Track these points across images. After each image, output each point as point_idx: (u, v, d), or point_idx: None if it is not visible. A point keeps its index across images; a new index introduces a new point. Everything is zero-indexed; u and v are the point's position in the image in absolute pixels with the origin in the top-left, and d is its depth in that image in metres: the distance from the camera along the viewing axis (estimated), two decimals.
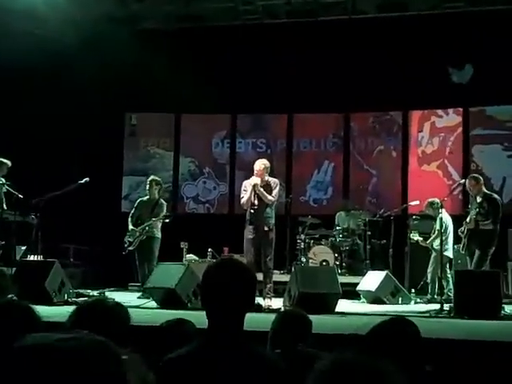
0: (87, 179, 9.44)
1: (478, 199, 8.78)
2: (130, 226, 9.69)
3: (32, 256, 9.48)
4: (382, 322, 2.76)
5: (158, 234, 9.68)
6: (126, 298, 8.97)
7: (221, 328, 2.29)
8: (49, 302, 7.54)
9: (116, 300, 2.80)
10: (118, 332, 2.35)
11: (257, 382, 2.15)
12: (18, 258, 9.87)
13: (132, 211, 9.93)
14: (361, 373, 1.14)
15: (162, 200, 9.99)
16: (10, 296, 6.06)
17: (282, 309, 7.97)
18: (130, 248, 9.56)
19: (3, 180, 9.85)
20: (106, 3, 11.91)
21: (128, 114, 13.76)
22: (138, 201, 10.06)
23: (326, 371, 1.15)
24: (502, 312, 7.58)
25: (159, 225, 9.70)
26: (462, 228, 8.91)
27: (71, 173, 10.28)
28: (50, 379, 1.05)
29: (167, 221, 9.64)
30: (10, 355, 1.09)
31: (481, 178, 9.08)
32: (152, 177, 10.17)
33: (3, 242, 9.74)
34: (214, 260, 10.26)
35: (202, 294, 2.38)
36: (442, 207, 9.17)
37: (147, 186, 9.93)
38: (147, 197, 9.91)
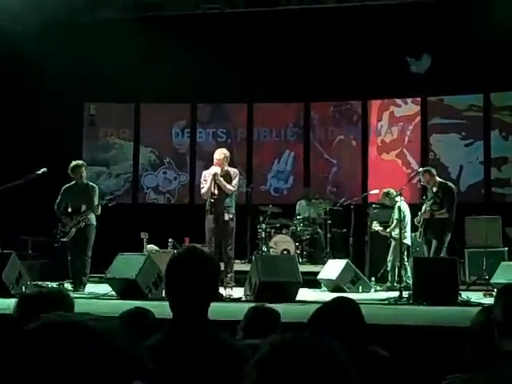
0: (45, 169, 9.27)
1: (434, 189, 8.92)
2: (62, 215, 8.93)
3: None
4: (325, 302, 2.81)
5: (94, 221, 9.03)
6: (87, 289, 8.92)
7: (186, 318, 2.28)
8: (6, 294, 7.43)
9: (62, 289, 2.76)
10: None
11: (225, 371, 2.15)
12: None
13: (58, 199, 9.05)
14: (301, 352, 1.15)
15: (92, 183, 9.38)
16: None
17: (243, 298, 8.01)
18: (65, 239, 8.89)
19: None
20: None
21: (87, 103, 13.58)
22: (64, 188, 9.12)
23: (266, 355, 1.15)
24: (459, 298, 7.72)
25: (98, 211, 9.09)
26: (418, 218, 9.04)
27: (29, 163, 10.11)
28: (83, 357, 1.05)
29: (110, 205, 9.10)
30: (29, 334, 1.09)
31: (433, 169, 9.21)
32: (74, 162, 9.18)
33: None
34: (175, 250, 10.24)
35: (167, 283, 2.37)
36: (400, 196, 9.29)
37: (72, 172, 9.06)
38: (73, 182, 9.11)
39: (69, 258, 8.96)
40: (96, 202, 9.01)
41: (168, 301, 2.33)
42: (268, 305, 3.80)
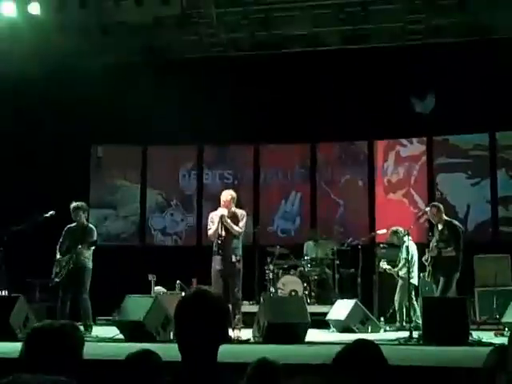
0: (53, 212, 9.31)
1: (440, 227, 8.89)
2: (57, 256, 8.96)
3: None
4: (345, 346, 2.78)
5: (89, 264, 8.97)
6: (94, 331, 8.87)
7: (195, 361, 2.27)
8: (13, 338, 7.39)
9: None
10: (71, 355, 2.33)
11: None
12: None
13: (60, 239, 9.13)
14: None
15: (91, 225, 9.31)
16: None
17: (252, 339, 7.95)
18: (57, 279, 8.81)
19: None
20: (71, 36, 11.90)
21: (94, 146, 13.69)
22: (66, 228, 9.20)
23: None
24: (470, 338, 7.64)
25: (90, 253, 9.00)
26: (426, 256, 8.99)
27: (37, 205, 10.14)
28: None
29: (92, 248, 8.93)
30: None
31: (441, 205, 9.19)
32: (75, 203, 9.22)
33: None
34: (183, 292, 10.21)
35: (176, 326, 2.36)
36: (408, 235, 9.26)
37: (72, 213, 9.12)
38: (75, 223, 9.17)
39: (59, 298, 8.85)
40: (81, 245, 8.87)
41: (177, 343, 2.32)
42: (270, 359, 3.73)
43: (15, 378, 1.16)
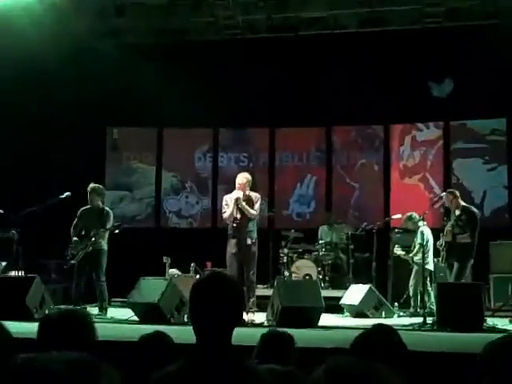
0: (68, 193, 9.34)
1: (457, 212, 8.84)
2: (74, 238, 8.96)
3: (13, 272, 9.39)
4: (365, 330, 2.76)
5: (105, 246, 8.99)
6: (109, 313, 8.93)
7: (210, 344, 2.26)
8: (30, 318, 7.45)
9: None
10: (86, 341, 2.34)
11: None
12: None
13: (74, 221, 9.11)
14: (354, 375, 1.15)
15: (108, 208, 9.33)
16: None
17: (266, 323, 7.97)
18: (73, 261, 8.80)
19: None
20: (87, 18, 11.89)
21: (109, 128, 13.71)
22: (81, 210, 9.17)
23: (319, 380, 1.16)
24: (485, 324, 7.61)
25: (106, 236, 9.03)
26: (440, 241, 8.95)
27: (53, 187, 10.20)
28: None
29: (117, 231, 8.92)
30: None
31: (457, 192, 9.12)
32: (92, 185, 9.21)
33: None
34: (197, 274, 10.24)
35: (190, 309, 2.35)
36: (423, 220, 9.22)
37: (89, 195, 9.12)
38: (89, 206, 9.15)
39: (74, 280, 8.88)
40: (106, 227, 8.97)
41: (192, 326, 2.33)
42: (281, 329, 3.75)
43: (40, 354, 1.32)
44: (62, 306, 8.95)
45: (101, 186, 9.42)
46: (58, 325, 2.45)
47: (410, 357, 2.78)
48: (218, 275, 2.44)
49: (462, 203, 8.93)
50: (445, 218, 9.11)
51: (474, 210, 9.04)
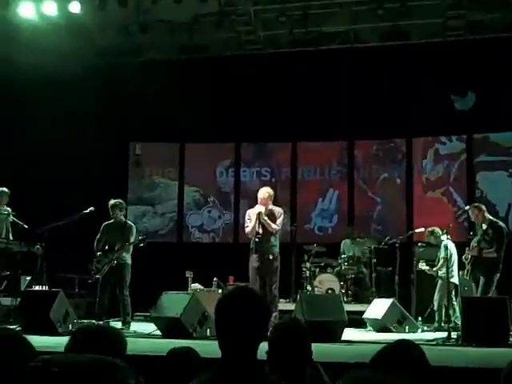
0: (92, 208, 9.43)
1: (484, 226, 8.75)
2: (98, 252, 9.02)
3: (37, 286, 9.46)
4: (387, 345, 2.73)
5: (129, 261, 9.04)
6: (132, 327, 8.96)
7: (236, 358, 2.25)
8: (53, 333, 7.50)
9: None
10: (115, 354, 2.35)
11: None
12: (22, 288, 9.85)
13: (98, 236, 9.17)
14: None
15: (130, 222, 9.39)
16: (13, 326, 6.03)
17: None
18: (98, 275, 8.85)
19: (9, 210, 9.88)
20: (110, 35, 12.04)
21: (132, 143, 13.82)
22: (104, 225, 9.24)
23: None
24: (511, 339, 7.51)
25: (130, 250, 9.06)
26: (466, 255, 8.86)
27: (76, 202, 10.28)
28: None
29: (142, 245, 8.94)
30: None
31: (482, 205, 9.03)
32: (112, 201, 9.21)
33: (8, 273, 9.74)
34: (220, 289, 10.24)
35: (216, 322, 2.32)
36: (446, 234, 9.14)
37: (110, 211, 9.14)
38: (112, 220, 9.20)
39: (98, 294, 8.92)
40: (130, 241, 9.02)
41: (217, 340, 2.31)
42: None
43: (68, 355, 1.39)
44: (85, 321, 8.99)
45: (121, 201, 9.48)
46: (89, 338, 2.47)
47: (433, 372, 2.74)
48: (245, 289, 2.42)
49: (489, 217, 8.84)
50: (471, 233, 9.03)
51: (502, 224, 8.94)
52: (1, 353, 2.18)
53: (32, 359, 2.07)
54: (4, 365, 1.75)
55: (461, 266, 9.36)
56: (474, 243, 8.72)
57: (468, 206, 9.27)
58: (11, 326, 6.75)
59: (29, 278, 10.17)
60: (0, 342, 2.26)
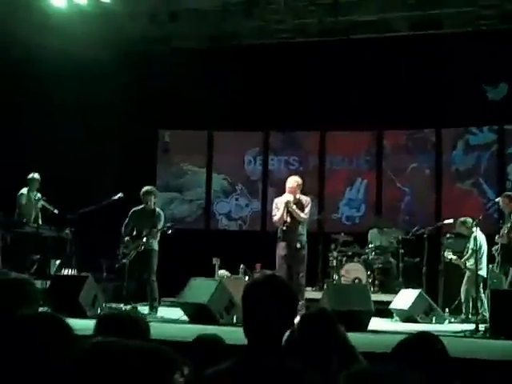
0: (121, 195, 9.51)
1: None
2: (126, 237, 9.13)
3: (66, 270, 9.60)
4: (407, 337, 2.72)
5: (156, 247, 9.11)
6: (159, 313, 9.04)
7: (262, 345, 2.25)
8: (82, 316, 7.61)
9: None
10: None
11: None
12: (52, 272, 10.00)
13: (126, 221, 9.27)
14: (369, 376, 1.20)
15: (159, 209, 9.44)
16: (44, 309, 6.12)
17: None
18: (125, 260, 8.96)
19: (39, 195, 10.02)
20: (141, 23, 12.08)
21: (161, 130, 13.89)
22: (132, 210, 9.32)
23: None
24: None
25: (158, 236, 9.14)
26: (496, 246, 8.78)
27: (105, 188, 10.39)
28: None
29: (169, 232, 9.04)
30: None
31: None
32: (148, 187, 9.35)
33: (38, 256, 9.90)
34: (247, 276, 10.29)
35: (244, 309, 2.32)
36: (476, 226, 9.06)
37: (143, 197, 9.24)
38: (142, 206, 9.28)
39: (125, 279, 9.02)
40: (158, 228, 9.09)
41: (243, 326, 2.31)
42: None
43: (104, 340, 1.44)
44: (113, 304, 9.11)
45: (154, 188, 9.61)
46: (114, 323, 2.50)
47: (453, 365, 2.73)
48: (274, 277, 2.43)
49: None
50: (501, 221, 8.94)
51: None
52: (45, 336, 2.22)
53: (73, 344, 2.10)
54: (49, 348, 1.79)
55: (491, 259, 9.29)
56: (503, 231, 8.63)
57: (498, 198, 9.17)
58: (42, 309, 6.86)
59: (58, 261, 10.31)
60: (44, 324, 2.30)
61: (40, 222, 9.98)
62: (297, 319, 2.94)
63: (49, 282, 8.79)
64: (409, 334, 2.78)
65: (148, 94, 12.72)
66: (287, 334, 3.07)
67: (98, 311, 8.15)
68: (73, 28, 11.26)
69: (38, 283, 9.52)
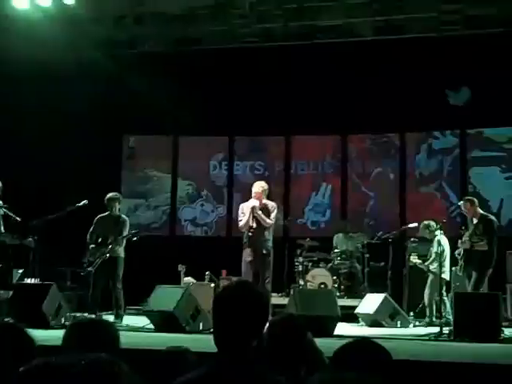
0: (86, 202, 9.40)
1: (474, 220, 8.76)
2: (91, 245, 9.01)
3: (29, 279, 9.43)
4: (344, 344, 2.51)
5: (123, 254, 9.04)
6: (124, 321, 8.94)
7: (232, 353, 2.21)
8: (46, 326, 7.49)
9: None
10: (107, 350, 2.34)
11: None
12: (14, 281, 9.82)
13: (91, 228, 9.18)
14: None
15: (124, 216, 9.41)
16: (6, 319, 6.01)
17: None
18: (90, 268, 8.70)
19: (1, 203, 9.84)
20: (105, 27, 11.98)
21: (126, 136, 13.79)
22: (97, 218, 9.25)
23: None
24: (502, 335, 7.55)
25: (124, 243, 9.07)
26: (458, 250, 8.87)
27: (69, 195, 10.25)
28: None
29: (135, 239, 8.96)
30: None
31: (475, 200, 9.04)
32: (112, 194, 9.31)
33: (0, 265, 9.71)
34: (212, 283, 10.24)
35: (214, 316, 2.28)
36: (439, 229, 9.15)
37: (107, 204, 9.20)
38: (107, 213, 9.23)
39: (90, 287, 8.82)
40: (123, 235, 9.01)
41: (213, 334, 2.27)
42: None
43: (56, 357, 1.37)
44: (78, 314, 8.97)
45: (119, 195, 9.53)
46: (84, 331, 2.46)
47: (394, 368, 2.56)
48: (246, 284, 2.39)
49: (480, 211, 8.85)
50: (463, 227, 9.05)
51: (492, 217, 8.95)
52: (4, 345, 2.16)
53: (33, 353, 2.05)
54: (7, 358, 1.75)
55: (454, 263, 9.39)
56: (465, 237, 8.73)
57: (461, 202, 9.28)
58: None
59: (21, 270, 10.14)
60: (3, 335, 2.25)
61: (2, 230, 9.80)
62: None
63: (11, 292, 8.62)
64: (347, 342, 2.61)
65: (113, 98, 12.60)
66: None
67: (62, 321, 8.02)
68: (36, 31, 11.10)
69: (0, 293, 9.38)
